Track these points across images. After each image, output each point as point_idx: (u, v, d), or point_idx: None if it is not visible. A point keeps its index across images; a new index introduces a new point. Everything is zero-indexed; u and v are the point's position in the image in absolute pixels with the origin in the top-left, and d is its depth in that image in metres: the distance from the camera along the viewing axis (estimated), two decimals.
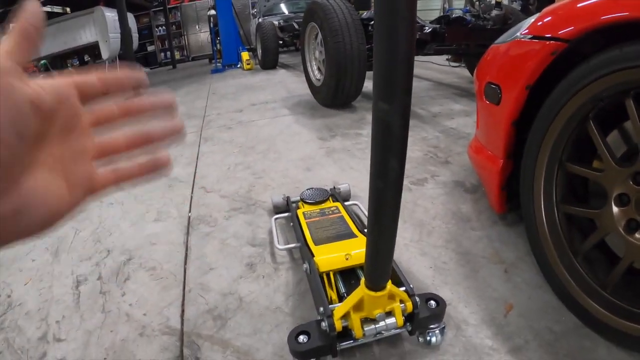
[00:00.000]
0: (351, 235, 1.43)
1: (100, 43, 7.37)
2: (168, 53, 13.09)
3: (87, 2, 7.39)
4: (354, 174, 2.35)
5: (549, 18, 1.25)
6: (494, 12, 3.79)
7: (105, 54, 7.47)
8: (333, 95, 3.71)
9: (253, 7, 11.93)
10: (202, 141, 3.28)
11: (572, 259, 1.16)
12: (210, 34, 10.27)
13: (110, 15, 7.22)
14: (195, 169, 2.66)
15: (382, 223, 0.82)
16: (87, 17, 7.29)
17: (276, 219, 1.77)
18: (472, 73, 4.88)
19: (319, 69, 4.14)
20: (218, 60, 9.42)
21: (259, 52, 8.32)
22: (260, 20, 9.78)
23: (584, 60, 1.07)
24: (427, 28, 3.56)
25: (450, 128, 3.16)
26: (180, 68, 11.99)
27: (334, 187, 1.92)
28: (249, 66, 8.47)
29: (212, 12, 10.50)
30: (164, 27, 13.09)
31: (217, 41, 9.55)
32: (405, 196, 2.02)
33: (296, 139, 3.06)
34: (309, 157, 2.65)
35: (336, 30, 3.38)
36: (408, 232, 1.70)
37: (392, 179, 0.76)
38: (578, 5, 1.15)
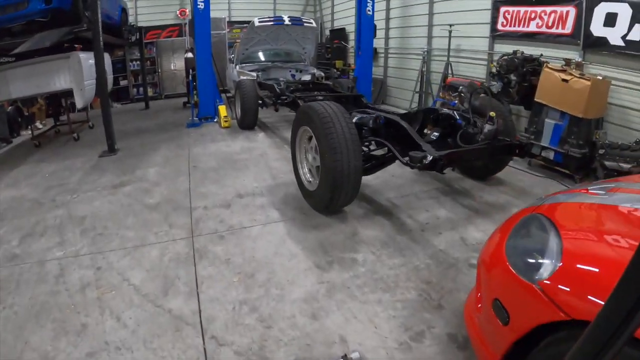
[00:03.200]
0: None
1: (74, 91, 7.29)
2: (141, 89, 13.24)
3: (62, 45, 7.40)
4: (358, 327, 2.56)
5: (571, 289, 1.47)
6: (487, 127, 4.11)
7: (79, 103, 7.41)
8: (327, 205, 3.95)
9: (230, 51, 12.22)
10: (196, 257, 3.42)
11: None
12: (187, 77, 10.39)
13: (87, 61, 7.21)
14: (199, 306, 2.80)
15: None
16: (62, 61, 7.24)
17: None
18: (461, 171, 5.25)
19: (310, 171, 4.36)
20: (195, 112, 9.52)
21: (238, 110, 8.54)
22: (238, 69, 10.04)
23: None
24: (428, 157, 3.61)
25: (439, 251, 3.47)
26: (153, 108, 12.12)
27: (345, 356, 2.21)
28: (226, 124, 8.66)
29: (190, 55, 10.67)
30: (138, 62, 13.16)
31: (195, 94, 9.67)
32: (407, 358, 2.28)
33: (294, 266, 3.27)
34: (312, 298, 2.86)
35: (335, 148, 3.60)
36: None
37: None
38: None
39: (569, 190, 2.41)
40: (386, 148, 4.10)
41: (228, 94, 10.78)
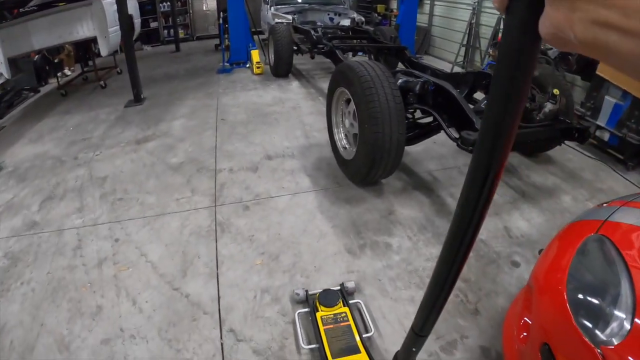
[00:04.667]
0: (356, 350, 2.12)
1: (99, 39, 7.10)
2: (172, 30, 12.90)
3: None
4: (386, 329, 2.36)
5: None
6: (548, 106, 3.67)
7: (104, 51, 7.22)
8: (363, 177, 3.65)
9: None
10: (218, 231, 3.23)
11: None
12: (218, 19, 10.01)
13: (111, 7, 6.94)
14: (218, 292, 2.64)
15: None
16: (84, 9, 7.00)
17: (299, 313, 2.41)
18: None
19: (346, 137, 4.04)
20: (226, 57, 9.17)
21: (272, 56, 8.15)
22: (273, 11, 9.59)
23: None
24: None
25: (480, 241, 3.14)
26: (184, 51, 11.79)
27: (343, 285, 2.59)
28: (259, 70, 8.32)
29: None
30: (168, 3, 12.78)
31: (226, 37, 9.30)
32: None
33: (323, 248, 3.03)
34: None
35: (376, 118, 3.21)
36: None
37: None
38: None
39: (632, 201, 2.00)
40: (432, 117, 3.74)
41: (262, 36, 10.37)
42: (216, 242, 3.11)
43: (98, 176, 4.20)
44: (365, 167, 3.48)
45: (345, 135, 4.05)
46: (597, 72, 5.28)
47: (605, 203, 2.02)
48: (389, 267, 2.84)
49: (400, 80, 3.79)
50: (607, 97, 5.22)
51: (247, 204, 3.59)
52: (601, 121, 5.28)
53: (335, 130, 4.16)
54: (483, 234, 3.25)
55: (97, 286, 2.73)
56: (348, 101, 3.79)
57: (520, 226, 3.37)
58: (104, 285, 2.73)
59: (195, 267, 2.86)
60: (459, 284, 2.69)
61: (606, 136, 5.18)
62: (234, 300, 2.57)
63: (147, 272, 2.83)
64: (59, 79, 7.98)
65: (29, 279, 2.82)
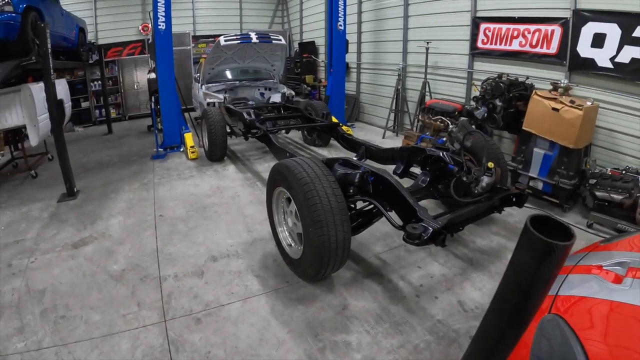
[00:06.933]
0: None
1: (28, 127, 6.91)
2: (103, 110, 12.91)
3: (13, 77, 6.99)
4: None
5: None
6: (485, 179, 3.94)
7: (34, 141, 7.00)
8: (313, 277, 3.77)
9: (196, 68, 11.96)
10: (172, 351, 3.16)
11: None
12: (150, 100, 10.06)
13: (40, 93, 6.78)
14: None
15: None
16: (12, 95, 6.83)
17: None
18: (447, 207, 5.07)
19: (290, 235, 4.14)
20: (159, 140, 9.19)
21: (205, 140, 8.29)
22: (204, 90, 9.81)
23: None
24: (428, 231, 3.30)
25: (438, 322, 3.33)
26: (116, 132, 11.76)
27: None
28: (193, 155, 8.41)
29: (152, 75, 10.35)
30: (99, 82, 12.84)
31: (158, 120, 9.35)
32: None
33: (283, 357, 3.05)
34: None
35: (320, 221, 3.32)
36: None
37: None
38: None
39: (577, 265, 2.23)
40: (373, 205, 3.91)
41: (193, 113, 10.53)
42: None
43: (36, 288, 4.02)
44: (314, 268, 3.59)
45: (289, 234, 4.16)
46: (524, 128, 5.81)
47: None
48: None
49: (338, 172, 3.96)
50: (535, 150, 5.80)
51: (199, 316, 3.55)
52: (533, 172, 5.83)
53: (278, 229, 4.26)
54: (439, 314, 3.45)
55: None
56: (289, 199, 3.90)
57: (473, 297, 3.60)
58: None
59: None
60: None
61: (540, 185, 5.72)
62: None
63: None
64: None
65: None
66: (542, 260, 0.86)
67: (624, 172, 5.08)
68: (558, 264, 0.87)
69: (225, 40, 8.95)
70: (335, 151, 8.36)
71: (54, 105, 6.48)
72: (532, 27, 6.64)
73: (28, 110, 6.86)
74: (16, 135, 8.14)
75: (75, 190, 6.68)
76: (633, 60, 5.31)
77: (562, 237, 0.85)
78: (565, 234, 0.87)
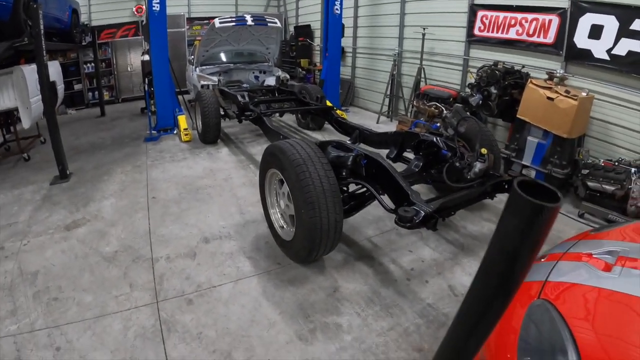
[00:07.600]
0: None
1: (20, 110, 6.86)
2: (96, 93, 12.86)
3: (6, 59, 6.93)
4: None
5: None
6: (478, 165, 3.98)
7: (26, 123, 6.97)
8: (304, 258, 3.80)
9: (190, 50, 11.88)
10: (164, 331, 3.20)
11: None
12: (144, 82, 10.01)
13: (33, 75, 6.75)
14: None
15: None
16: (4, 77, 6.78)
17: None
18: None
19: (282, 217, 4.18)
20: (152, 123, 9.16)
21: (199, 122, 8.28)
22: (198, 72, 9.77)
23: None
24: (420, 214, 3.36)
25: (428, 306, 3.38)
26: (109, 115, 11.70)
27: None
28: (187, 137, 8.40)
29: (146, 57, 10.30)
30: (92, 64, 12.75)
31: (152, 102, 9.31)
32: None
33: (274, 338, 3.10)
34: None
35: (312, 203, 3.36)
36: None
37: None
38: None
39: (567, 252, 2.28)
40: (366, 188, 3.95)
41: (187, 96, 10.48)
42: (164, 343, 3.08)
43: (29, 271, 4.04)
44: (306, 250, 3.63)
45: (282, 216, 4.19)
46: (518, 116, 5.85)
47: (543, 258, 2.24)
48: (342, 349, 2.97)
49: (331, 155, 3.98)
50: (529, 138, 5.84)
51: (190, 297, 3.59)
52: (526, 160, 5.87)
53: (271, 211, 4.29)
54: (429, 297, 3.51)
55: None
56: (281, 181, 3.92)
57: (464, 282, 3.67)
58: None
59: None
60: (412, 354, 2.86)
61: (532, 174, 5.79)
62: None
63: None
64: None
65: None
66: (531, 222, 0.89)
67: (616, 163, 5.14)
68: (547, 226, 0.89)
69: (220, 23, 8.90)
70: (329, 135, 8.36)
71: (47, 87, 6.43)
72: (530, 16, 6.65)
73: (20, 92, 6.81)
74: (8, 117, 8.10)
75: (68, 172, 6.68)
76: (630, 52, 5.34)
77: (549, 200, 0.87)
78: (552, 197, 0.90)
